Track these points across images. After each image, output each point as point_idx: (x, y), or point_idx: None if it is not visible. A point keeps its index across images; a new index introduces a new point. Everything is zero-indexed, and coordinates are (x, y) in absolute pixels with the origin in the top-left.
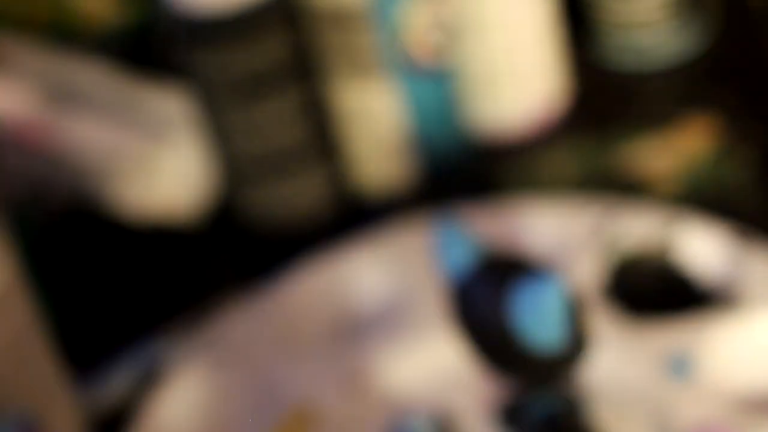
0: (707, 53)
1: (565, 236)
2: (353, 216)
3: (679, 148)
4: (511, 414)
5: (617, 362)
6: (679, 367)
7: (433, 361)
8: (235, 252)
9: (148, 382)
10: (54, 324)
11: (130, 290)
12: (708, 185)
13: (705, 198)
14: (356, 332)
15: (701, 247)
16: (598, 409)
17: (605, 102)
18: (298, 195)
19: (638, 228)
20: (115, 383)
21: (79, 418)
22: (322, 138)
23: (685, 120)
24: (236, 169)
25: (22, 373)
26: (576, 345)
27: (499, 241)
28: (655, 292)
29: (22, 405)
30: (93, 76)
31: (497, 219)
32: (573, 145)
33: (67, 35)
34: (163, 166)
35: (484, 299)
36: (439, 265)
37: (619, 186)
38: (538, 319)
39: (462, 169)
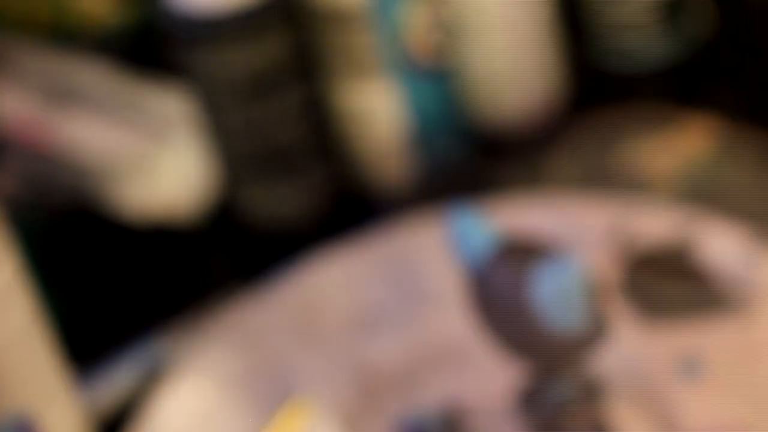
0: (705, 52)
1: (581, 234)
2: (354, 215)
3: (679, 148)
4: (528, 398)
5: (629, 359)
6: (691, 367)
7: (435, 359)
8: (235, 251)
9: (149, 381)
10: (55, 322)
11: (131, 289)
12: (708, 185)
13: (705, 198)
14: (364, 328)
15: (718, 247)
16: (609, 402)
17: (605, 102)
18: (298, 195)
19: (654, 227)
20: (116, 382)
21: (80, 418)
22: (322, 138)
23: (685, 120)
24: (236, 168)
25: (23, 371)
26: (596, 326)
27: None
28: (669, 290)
29: (22, 404)
30: (93, 76)
31: (502, 217)
32: (573, 145)
33: (67, 35)
34: (163, 166)
35: (504, 282)
36: (455, 252)
37: (619, 186)
38: (559, 300)
39: (461, 169)
